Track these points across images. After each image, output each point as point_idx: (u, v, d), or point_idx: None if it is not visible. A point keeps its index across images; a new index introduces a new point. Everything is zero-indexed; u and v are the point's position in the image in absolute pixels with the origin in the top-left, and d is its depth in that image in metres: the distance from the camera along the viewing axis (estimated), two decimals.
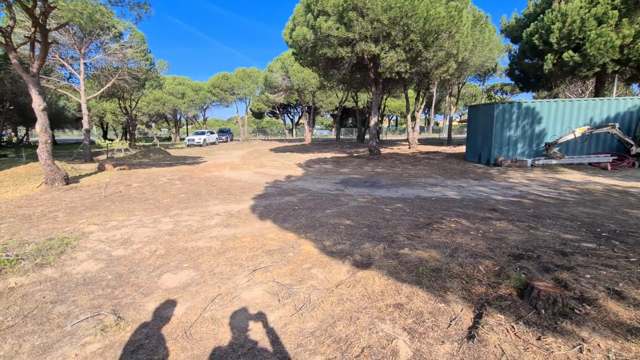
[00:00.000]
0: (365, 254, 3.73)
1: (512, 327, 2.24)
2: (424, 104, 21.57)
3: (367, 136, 28.31)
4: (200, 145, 29.23)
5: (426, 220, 5.12)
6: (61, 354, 2.18)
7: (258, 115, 54.03)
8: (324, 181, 9.65)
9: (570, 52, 13.91)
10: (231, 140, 37.46)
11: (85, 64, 16.08)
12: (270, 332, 2.36)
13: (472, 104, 33.18)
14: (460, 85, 24.66)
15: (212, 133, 32.82)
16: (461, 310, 2.49)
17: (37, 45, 8.51)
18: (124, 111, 27.42)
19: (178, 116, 44.05)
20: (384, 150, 18.89)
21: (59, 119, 32.26)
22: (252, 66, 35.83)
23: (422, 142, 26.22)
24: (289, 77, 25.54)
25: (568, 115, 12.14)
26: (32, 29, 8.25)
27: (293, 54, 17.03)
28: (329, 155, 17.61)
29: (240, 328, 2.43)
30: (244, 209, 6.09)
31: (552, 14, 14.16)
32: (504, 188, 8.29)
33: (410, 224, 4.96)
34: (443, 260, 3.40)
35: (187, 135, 35.39)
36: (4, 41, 8.00)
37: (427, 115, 53.84)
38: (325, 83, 23.21)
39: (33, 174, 10.50)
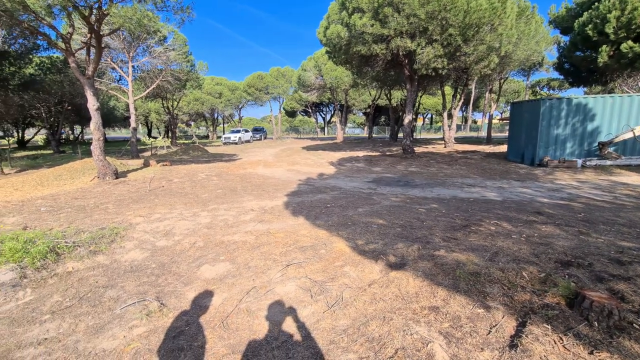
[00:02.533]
0: (399, 254, 3.65)
1: (560, 338, 2.09)
2: (462, 101, 20.67)
3: (400, 135, 27.71)
4: (236, 143, 30.22)
5: (463, 222, 4.91)
6: (111, 335, 2.36)
7: (291, 114, 54.82)
8: (355, 179, 9.59)
9: (630, 42, 12.65)
10: (265, 138, 38.36)
11: (133, 66, 17.23)
12: (303, 327, 2.39)
13: (515, 100, 31.27)
14: (502, 80, 23.32)
15: (246, 131, 33.82)
16: (502, 318, 2.36)
17: (92, 50, 9.25)
18: (167, 110, 29.01)
19: (215, 115, 45.83)
20: (418, 149, 18.38)
21: (109, 118, 34.90)
22: (287, 65, 36.42)
23: (459, 141, 25.16)
24: (322, 76, 25.62)
25: (626, 111, 11.04)
26: (88, 35, 8.98)
27: (327, 52, 17.06)
28: (361, 153, 17.46)
29: (274, 321, 2.48)
30: (278, 206, 6.21)
31: (608, 2, 12.95)
32: (550, 190, 7.74)
33: (446, 225, 4.78)
34: (482, 264, 3.24)
35: (224, 134, 36.75)
36: (64, 47, 8.78)
37: (464, 112, 51.60)
38: (359, 81, 23.00)
39: (87, 169, 11.43)
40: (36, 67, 19.21)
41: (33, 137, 34.83)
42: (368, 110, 36.89)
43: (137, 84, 20.80)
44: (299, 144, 29.12)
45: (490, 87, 26.33)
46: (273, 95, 36.66)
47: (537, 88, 41.99)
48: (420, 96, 27.97)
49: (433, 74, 13.41)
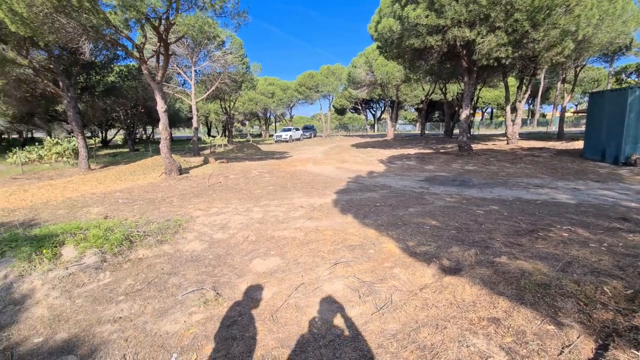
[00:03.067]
0: (454, 259, 3.43)
1: None
2: (528, 92, 18.74)
3: (455, 131, 26.11)
4: (287, 141, 31.13)
5: (529, 227, 4.45)
6: (174, 319, 2.56)
7: (340, 111, 54.82)
8: (406, 178, 9.25)
9: None
10: (314, 136, 38.90)
11: (195, 71, 18.62)
12: (351, 328, 2.36)
13: (595, 90, 27.52)
14: (579, 68, 20.61)
15: (297, 130, 34.63)
16: (578, 337, 2.08)
17: (161, 58, 10.17)
18: (224, 111, 30.89)
19: (268, 114, 47.66)
20: (475, 147, 17.16)
21: (175, 119, 38.25)
22: (337, 63, 36.51)
23: (524, 136, 22.91)
24: (373, 72, 25.15)
25: None
26: (158, 44, 9.88)
27: (377, 47, 16.69)
28: (412, 151, 16.82)
29: (321, 319, 2.49)
30: (326, 203, 6.24)
31: None
32: (639, 193, 6.68)
33: (509, 229, 4.38)
34: (552, 274, 2.90)
35: (276, 132, 38.05)
36: (138, 55, 9.78)
37: (531, 105, 46.91)
38: (411, 75, 22.11)
39: (157, 165, 12.65)
40: (116, 75, 21.74)
41: (114, 137, 39.58)
42: (420, 105, 35.40)
43: (199, 87, 22.45)
44: (348, 141, 29.02)
45: (564, 76, 23.48)
46: (323, 93, 36.96)
47: (623, 75, 36.47)
48: (479, 89, 26.03)
49: (495, 64, 12.36)
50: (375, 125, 53.04)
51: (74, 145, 15.55)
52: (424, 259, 3.49)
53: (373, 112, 53.92)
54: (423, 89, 29.87)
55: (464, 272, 3.08)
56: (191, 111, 18.99)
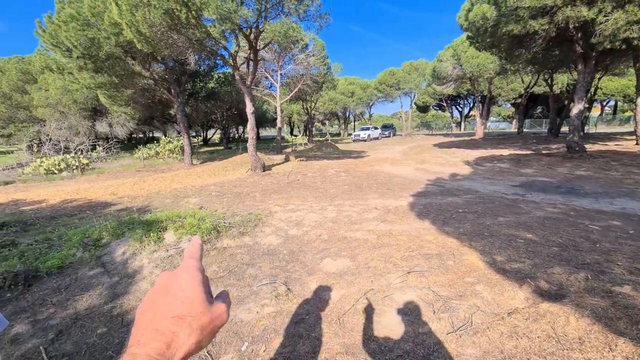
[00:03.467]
0: (555, 282, 2.89)
1: None
2: None
3: (564, 128, 22.29)
4: (365, 140, 30.90)
5: None
6: (248, 308, 2.74)
7: (423, 109, 51.94)
8: (497, 182, 8.24)
9: None
10: (393, 135, 37.75)
11: (280, 74, 19.84)
12: (422, 346, 2.17)
13: None
14: None
15: (375, 128, 34.09)
16: None
17: (251, 64, 11.09)
18: (305, 111, 32.25)
19: (347, 113, 48.05)
20: (591, 147, 14.35)
21: (262, 119, 41.52)
22: (420, 58, 34.54)
23: None
24: (461, 65, 23.09)
25: None
26: (249, 51, 10.80)
27: (468, 38, 15.25)
28: (505, 152, 14.92)
29: (389, 330, 2.35)
30: (402, 206, 5.96)
31: None
32: None
33: (636, 252, 3.50)
34: None
35: (354, 131, 38.10)
36: (232, 63, 10.85)
37: None
38: (508, 67, 19.59)
39: (244, 162, 13.89)
40: (215, 82, 24.58)
41: (212, 136, 44.94)
42: (518, 100, 31.22)
43: (283, 89, 23.87)
44: (430, 140, 27.34)
45: None
46: (404, 91, 35.55)
47: None
48: (599, 78, 21.67)
49: (622, 47, 10.08)
50: (462, 124, 48.77)
51: (181, 143, 18.13)
52: (515, 277, 3.03)
53: (460, 109, 49.67)
54: (522, 81, 26.29)
55: (568, 300, 2.57)
56: (276, 112, 20.31)
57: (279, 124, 20.78)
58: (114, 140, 25.03)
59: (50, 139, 21.06)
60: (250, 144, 11.65)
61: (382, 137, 34.45)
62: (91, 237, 4.21)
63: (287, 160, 15.06)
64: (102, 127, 25.92)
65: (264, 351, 2.20)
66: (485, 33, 12.02)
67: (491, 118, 51.50)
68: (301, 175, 10.61)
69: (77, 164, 15.61)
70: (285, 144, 28.94)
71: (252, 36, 9.77)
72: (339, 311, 2.64)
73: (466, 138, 26.77)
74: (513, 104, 40.46)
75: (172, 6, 7.59)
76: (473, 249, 3.77)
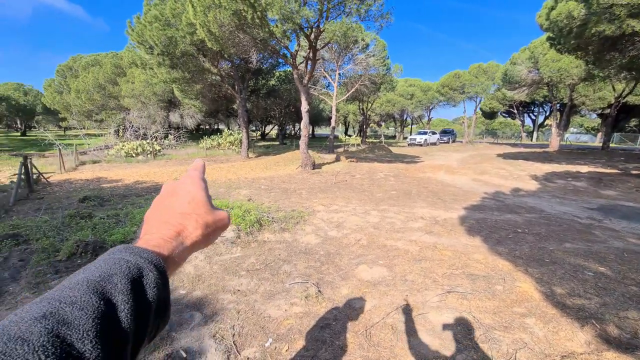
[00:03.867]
0: (628, 328, 2.45)
1: None
2: None
3: None
4: (421, 145, 29.64)
5: None
6: (277, 305, 2.78)
7: (489, 115, 48.11)
8: (569, 203, 7.28)
9: None
10: (453, 141, 35.61)
11: (339, 74, 19.90)
12: None
13: None
14: None
15: (433, 133, 32.48)
16: None
17: (309, 63, 11.28)
18: (361, 111, 31.96)
19: (404, 116, 46.55)
20: None
21: (318, 118, 42.16)
22: (491, 61, 32.02)
23: None
24: (538, 69, 20.82)
25: None
26: (308, 50, 10.99)
27: (548, 39, 13.71)
28: (584, 168, 13.13)
29: (419, 353, 2.21)
30: (452, 219, 5.57)
31: None
32: None
33: None
34: None
35: (410, 135, 36.77)
36: (291, 61, 11.15)
37: None
38: (596, 72, 17.19)
39: (296, 159, 14.22)
40: (276, 80, 25.54)
41: (269, 132, 46.88)
42: (607, 110, 27.26)
43: (341, 89, 23.91)
44: (493, 149, 25.25)
45: None
46: (469, 95, 33.24)
47: None
48: None
49: None
50: (534, 133, 44.11)
51: (241, 136, 19.19)
52: (577, 316, 2.64)
53: (533, 117, 44.96)
54: (613, 89, 22.88)
55: None
56: (332, 111, 20.43)
57: (332, 123, 20.88)
58: (184, 130, 27.45)
59: (132, 126, 23.83)
60: (303, 141, 11.88)
61: (439, 143, 32.71)
62: None
63: (337, 159, 15.08)
64: (174, 117, 28.55)
65: (286, 351, 2.22)
66: (570, 34, 10.67)
67: (570, 129, 45.84)
68: (349, 176, 10.53)
69: (151, 149, 17.44)
70: (338, 143, 29.01)
71: (312, 36, 9.92)
72: (367, 322, 2.55)
73: (537, 150, 24.16)
74: (600, 115, 35.42)
75: (240, 7, 8.03)
76: (528, 276, 3.37)
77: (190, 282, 3.16)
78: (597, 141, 39.92)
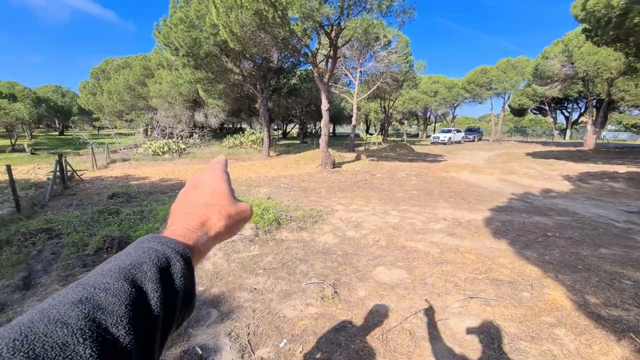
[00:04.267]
0: None
1: None
2: None
3: None
4: (444, 144, 28.83)
5: None
6: (293, 305, 2.76)
7: (518, 112, 46.02)
8: (605, 205, 6.81)
9: None
10: (479, 139, 34.39)
11: (360, 72, 19.68)
12: None
13: None
14: None
15: (458, 131, 31.51)
16: None
17: (330, 61, 11.21)
18: (383, 110, 31.49)
19: (428, 114, 45.44)
20: None
21: (338, 116, 41.95)
22: (520, 55, 30.39)
23: None
24: (573, 63, 19.64)
25: None
26: (329, 49, 10.93)
27: (584, 31, 12.91)
28: (622, 168, 12.26)
29: None
30: (476, 220, 5.36)
31: None
32: None
33: None
34: None
35: (433, 133, 35.86)
36: (312, 60, 11.13)
37: None
38: (638, 65, 16.03)
39: (316, 157, 14.19)
40: (297, 79, 25.64)
41: (291, 130, 47.22)
42: None
43: (362, 86, 23.65)
44: (522, 148, 24.16)
45: None
46: (497, 91, 31.89)
47: None
48: None
49: None
50: (568, 131, 41.75)
51: (262, 135, 19.43)
52: (613, 328, 2.44)
53: (566, 114, 42.57)
54: None
55: None
56: (353, 110, 20.25)
57: (353, 122, 20.70)
58: (208, 129, 28.15)
59: (159, 125, 24.71)
60: (323, 140, 11.84)
61: (464, 141, 31.69)
62: None
63: (358, 158, 14.92)
64: (199, 117, 29.35)
65: (300, 352, 2.19)
66: (609, 24, 9.98)
67: (608, 126, 43.03)
68: (369, 175, 10.39)
69: (176, 148, 18.01)
70: (359, 142, 28.76)
71: (332, 34, 9.85)
72: (384, 326, 2.48)
73: (571, 148, 22.87)
74: None
75: (261, 6, 8.09)
76: (559, 283, 3.17)
77: (209, 279, 3.20)
78: (639, 139, 37.30)
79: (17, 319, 0.26)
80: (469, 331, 2.42)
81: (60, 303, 0.27)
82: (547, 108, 39.34)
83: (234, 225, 0.47)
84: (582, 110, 39.55)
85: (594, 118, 23.15)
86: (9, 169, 5.92)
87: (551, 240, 4.41)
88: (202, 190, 0.47)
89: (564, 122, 44.08)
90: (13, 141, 22.79)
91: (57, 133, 46.31)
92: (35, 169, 12.67)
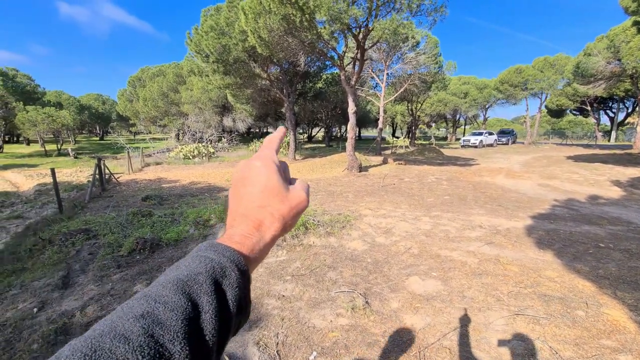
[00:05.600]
0: None
1: None
2: None
3: None
4: (475, 147, 27.69)
5: None
6: (322, 315, 2.64)
7: (557, 113, 43.38)
8: None
9: None
10: (513, 142, 32.71)
11: (387, 74, 19.37)
12: None
13: None
14: None
15: (490, 134, 30.14)
16: None
17: (357, 64, 11.08)
18: (410, 112, 30.82)
19: (457, 116, 43.97)
20: None
21: (365, 119, 41.60)
22: (558, 53, 28.68)
23: None
24: (619, 59, 18.22)
25: None
26: (356, 51, 10.80)
27: (635, 23, 11.93)
28: None
29: None
30: (516, 228, 4.99)
31: None
32: None
33: None
34: None
35: (464, 136, 34.59)
36: (339, 63, 11.05)
37: None
38: None
39: (342, 161, 14.07)
40: (323, 82, 25.69)
41: (316, 134, 47.40)
42: None
43: (388, 89, 23.26)
44: (562, 151, 22.68)
45: None
46: (533, 91, 30.23)
47: None
48: None
49: None
50: (613, 133, 38.73)
51: (288, 139, 19.60)
52: None
53: (611, 115, 39.57)
54: None
55: None
56: (379, 112, 19.95)
57: (380, 125, 20.37)
58: (236, 133, 28.85)
59: (190, 130, 25.62)
60: (349, 143, 11.70)
61: (497, 144, 30.26)
62: (202, 218, 4.82)
63: (385, 162, 14.62)
64: (227, 121, 30.16)
65: None
66: None
67: None
68: (397, 179, 10.10)
69: (206, 152, 18.55)
70: (386, 145, 28.28)
71: (360, 36, 9.72)
72: (420, 343, 2.30)
73: (617, 151, 21.16)
74: None
75: (289, 11, 8.12)
76: (618, 301, 2.84)
77: None
78: None
79: (93, 327, 0.28)
80: (517, 353, 2.19)
81: (126, 316, 0.29)
82: (589, 108, 36.78)
83: (290, 222, 0.45)
84: (629, 110, 36.66)
85: None
86: (53, 173, 6.28)
87: (604, 252, 4.00)
88: (250, 187, 0.44)
89: (608, 123, 41.01)
90: (59, 146, 24.51)
91: (97, 138, 49.40)
92: (77, 172, 13.48)
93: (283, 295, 2.95)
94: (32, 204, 7.40)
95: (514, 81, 30.39)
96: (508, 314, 2.63)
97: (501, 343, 2.29)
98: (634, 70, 17.92)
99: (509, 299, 2.88)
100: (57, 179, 6.22)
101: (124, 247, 3.89)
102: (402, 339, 2.34)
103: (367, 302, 2.84)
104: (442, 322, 2.54)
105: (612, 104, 37.58)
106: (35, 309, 2.80)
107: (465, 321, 2.55)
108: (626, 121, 38.77)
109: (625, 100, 35.42)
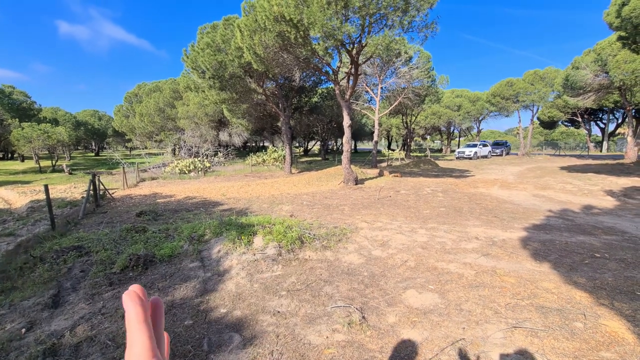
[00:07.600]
0: None
1: None
2: None
3: None
4: (470, 158, 27.97)
5: None
6: (318, 331, 2.60)
7: (548, 124, 44.16)
8: None
9: None
10: (507, 154, 33.08)
11: (381, 88, 19.69)
12: None
13: None
14: None
15: (484, 145, 30.52)
16: None
17: (351, 79, 11.27)
18: (405, 125, 31.20)
19: (452, 128, 44.54)
20: None
21: (360, 133, 42.00)
22: (548, 66, 29.41)
23: None
24: (607, 72, 18.72)
25: None
26: (350, 66, 11.01)
27: (620, 38, 12.31)
28: None
29: None
30: (512, 239, 5.00)
31: None
32: None
33: None
34: None
35: (458, 148, 34.94)
36: (333, 78, 11.23)
37: None
38: None
39: (338, 174, 14.10)
40: (318, 97, 26.02)
41: (312, 148, 47.66)
42: None
43: (383, 102, 23.61)
44: (555, 162, 22.96)
45: None
46: (524, 104, 30.81)
47: None
48: None
49: None
50: (604, 143, 39.38)
51: (284, 153, 19.67)
52: None
53: (602, 126, 40.32)
54: None
55: None
56: (374, 126, 20.17)
57: (375, 138, 20.56)
58: (232, 147, 28.92)
59: (186, 145, 25.66)
60: (345, 156, 11.76)
61: (491, 156, 30.59)
62: (197, 233, 4.78)
63: (380, 175, 14.68)
64: (223, 136, 30.28)
65: None
66: None
67: None
68: (393, 191, 10.13)
69: (202, 166, 18.53)
70: (381, 158, 28.46)
71: (354, 51, 9.93)
72: (418, 359, 2.26)
73: (609, 161, 21.45)
74: None
75: (284, 28, 8.31)
76: (615, 312, 2.82)
77: (231, 300, 3.11)
78: None
79: None
80: None
81: None
82: (580, 120, 37.52)
83: None
84: (619, 121, 37.38)
85: (634, 128, 21.75)
86: (46, 189, 6.22)
87: (600, 263, 4.00)
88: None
89: (600, 134, 41.73)
90: (54, 162, 24.37)
91: (93, 154, 49.21)
92: (72, 188, 13.36)
93: (278, 311, 2.90)
94: (25, 221, 7.29)
95: (505, 94, 30.99)
96: (506, 327, 2.61)
97: (502, 358, 2.26)
98: (621, 82, 18.39)
99: (506, 312, 2.85)
100: (51, 196, 6.16)
101: (117, 264, 3.82)
102: (399, 355, 2.30)
103: (363, 317, 2.80)
104: (440, 337, 2.51)
105: (602, 115, 38.37)
106: (23, 330, 2.72)
107: (463, 335, 2.52)
108: (617, 132, 39.47)
109: (614, 112, 36.21)
